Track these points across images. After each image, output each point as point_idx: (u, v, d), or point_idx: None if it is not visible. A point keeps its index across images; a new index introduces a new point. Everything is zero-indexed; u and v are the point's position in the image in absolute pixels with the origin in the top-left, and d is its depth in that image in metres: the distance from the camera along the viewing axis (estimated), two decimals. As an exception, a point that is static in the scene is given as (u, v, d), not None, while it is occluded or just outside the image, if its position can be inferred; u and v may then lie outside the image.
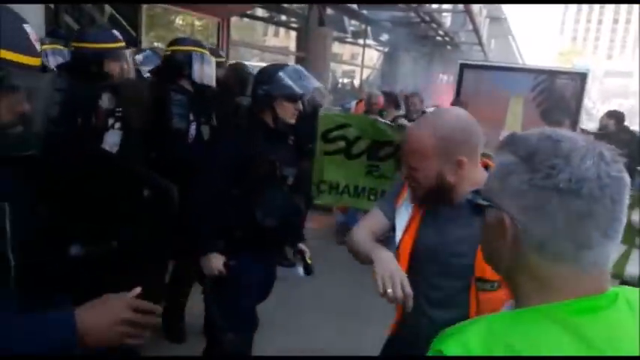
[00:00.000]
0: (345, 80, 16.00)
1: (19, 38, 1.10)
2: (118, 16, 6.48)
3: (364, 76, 15.18)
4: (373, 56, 16.60)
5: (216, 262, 2.33)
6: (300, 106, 2.43)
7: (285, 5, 10.03)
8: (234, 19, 8.50)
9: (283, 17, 10.81)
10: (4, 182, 1.17)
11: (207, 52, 3.24)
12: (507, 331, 0.74)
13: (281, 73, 2.40)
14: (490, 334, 0.74)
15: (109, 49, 2.61)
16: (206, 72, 3.13)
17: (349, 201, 4.84)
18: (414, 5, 11.31)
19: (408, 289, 1.37)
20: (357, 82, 15.18)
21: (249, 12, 8.89)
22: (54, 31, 4.33)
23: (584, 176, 0.72)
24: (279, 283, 2.62)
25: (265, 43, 11.62)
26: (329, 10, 10.44)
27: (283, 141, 2.47)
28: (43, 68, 1.28)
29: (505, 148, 0.81)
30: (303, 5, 10.14)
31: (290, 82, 2.38)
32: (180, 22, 8.21)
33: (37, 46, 1.14)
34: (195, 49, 3.15)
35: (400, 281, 1.38)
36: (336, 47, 13.11)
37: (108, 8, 6.46)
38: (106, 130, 2.46)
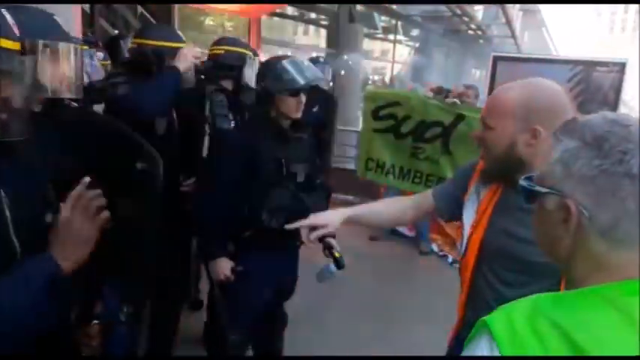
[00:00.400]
0: (376, 77, 15.93)
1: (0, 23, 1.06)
2: (150, 17, 6.59)
3: (395, 72, 15.07)
4: (404, 52, 16.46)
5: (224, 267, 2.29)
6: (303, 99, 2.31)
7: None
8: (264, 18, 8.54)
9: (313, 15, 10.81)
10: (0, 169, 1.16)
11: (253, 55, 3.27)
12: (554, 308, 0.74)
13: (279, 67, 2.30)
14: (535, 309, 0.74)
15: (171, 47, 2.64)
16: (251, 74, 3.16)
17: (394, 182, 4.78)
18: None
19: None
20: (387, 79, 15.10)
21: (279, 11, 8.91)
22: (85, 35, 4.44)
23: None
24: (312, 280, 2.59)
25: (295, 42, 11.64)
26: (359, 7, 10.38)
27: (291, 137, 2.36)
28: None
29: (567, 133, 0.80)
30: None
31: (289, 76, 2.28)
32: (212, 22, 8.30)
33: (16, 30, 1.10)
34: (248, 52, 3.17)
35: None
36: (367, 44, 13.05)
37: (140, 10, 6.59)
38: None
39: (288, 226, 1.80)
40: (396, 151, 4.62)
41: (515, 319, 0.73)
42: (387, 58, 15.38)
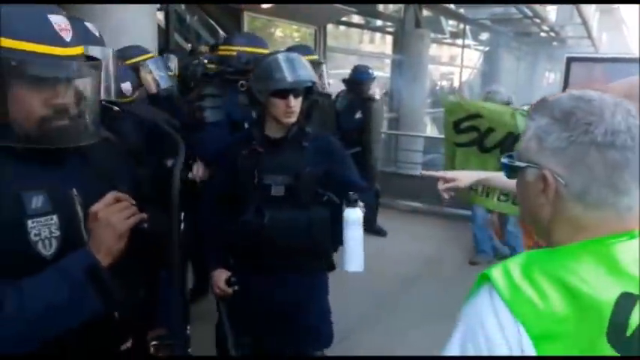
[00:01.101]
0: (444, 82, 15.67)
1: (40, 28, 1.06)
2: (220, 30, 6.82)
3: (464, 77, 14.76)
4: (473, 56, 16.10)
5: (218, 278, 2.15)
6: (294, 103, 2.00)
7: (381, 9, 10.02)
8: (330, 27, 8.63)
9: (379, 22, 10.80)
10: (73, 171, 1.21)
11: None
12: (545, 259, 0.84)
13: (265, 63, 2.03)
14: (528, 261, 0.84)
15: (259, 54, 2.69)
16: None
17: (477, 200, 4.61)
18: None
19: None
20: (456, 84, 14.82)
21: (344, 19, 8.97)
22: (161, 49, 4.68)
23: (617, 129, 0.81)
24: (378, 281, 2.54)
25: (361, 50, 11.66)
26: (425, 12, 10.27)
27: (281, 145, 2.09)
28: None
29: (538, 111, 0.89)
30: (398, 8, 10.07)
31: (277, 75, 1.98)
32: (280, 33, 8.47)
33: (66, 36, 1.09)
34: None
35: None
36: (434, 49, 12.87)
37: (212, 24, 6.83)
38: None
39: (424, 173, 1.81)
40: (480, 166, 4.37)
41: (511, 269, 0.83)
42: (455, 63, 15.09)
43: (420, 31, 9.77)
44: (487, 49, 16.16)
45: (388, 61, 10.70)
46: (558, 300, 0.77)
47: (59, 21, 1.09)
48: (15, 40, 1.03)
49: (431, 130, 11.38)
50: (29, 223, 1.08)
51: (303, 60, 2.11)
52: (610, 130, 0.81)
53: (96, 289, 1.10)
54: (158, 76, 3.26)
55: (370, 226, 3.63)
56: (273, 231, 2.03)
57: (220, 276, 2.15)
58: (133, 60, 3.18)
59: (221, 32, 6.90)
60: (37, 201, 1.10)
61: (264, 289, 2.14)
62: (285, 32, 8.37)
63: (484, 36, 15.62)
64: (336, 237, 2.05)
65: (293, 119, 2.05)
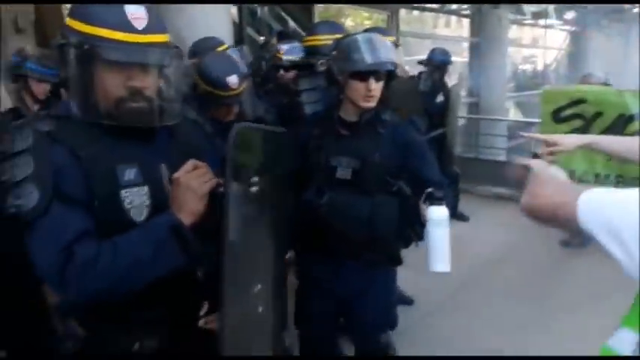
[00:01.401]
0: (526, 66, 14.92)
1: (115, 17, 1.18)
2: (290, 20, 6.86)
3: (547, 60, 13.99)
4: (558, 37, 15.22)
5: None
6: (373, 86, 1.87)
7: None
8: (402, 13, 8.45)
9: (454, 6, 10.46)
10: (162, 147, 1.34)
11: None
12: None
13: (345, 45, 1.91)
14: None
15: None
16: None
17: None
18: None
19: None
20: (540, 67, 14.08)
21: (416, 4, 8.76)
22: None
23: None
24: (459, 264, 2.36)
25: (436, 34, 11.34)
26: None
27: (355, 129, 1.98)
28: None
29: None
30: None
31: (356, 55, 1.85)
32: (351, 22, 8.43)
33: (139, 24, 1.20)
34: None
35: None
36: (514, 31, 12.29)
37: (282, 15, 6.89)
38: None
39: (525, 135, 1.73)
40: (588, 155, 3.92)
41: None
42: (539, 45, 14.33)
43: (497, 12, 9.35)
44: (573, 29, 15.21)
45: (466, 45, 10.34)
46: None
47: (134, 10, 1.20)
48: (93, 27, 1.17)
49: (514, 115, 10.87)
50: (123, 192, 1.23)
51: (385, 40, 1.97)
52: None
53: (179, 244, 1.22)
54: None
55: (452, 212, 3.50)
56: (330, 212, 1.94)
57: None
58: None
59: (291, 23, 6.93)
60: (129, 173, 1.25)
61: (323, 275, 2.08)
62: (355, 20, 8.32)
63: (569, 15, 14.70)
64: (404, 231, 1.96)
65: (372, 104, 1.92)
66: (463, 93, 8.66)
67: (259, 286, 1.41)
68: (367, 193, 1.95)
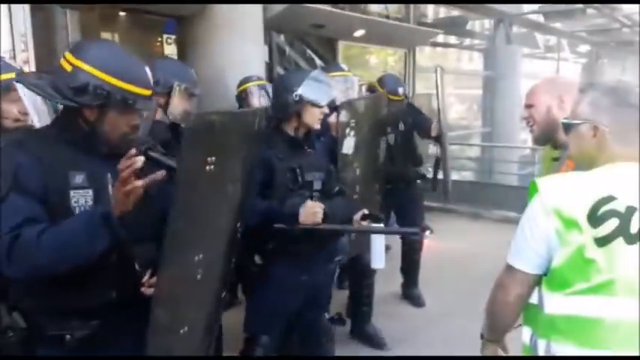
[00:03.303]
0: (541, 97, 15.21)
1: (139, 76, 1.55)
2: (317, 58, 7.44)
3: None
4: (571, 70, 15.63)
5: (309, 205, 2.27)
6: (327, 110, 2.45)
7: (469, 27, 10.22)
8: (427, 49, 8.98)
9: (467, 41, 10.98)
10: (110, 160, 1.50)
11: None
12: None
13: (312, 76, 2.39)
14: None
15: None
16: None
17: None
18: (606, 12, 10.52)
19: None
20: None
21: (432, 40, 9.30)
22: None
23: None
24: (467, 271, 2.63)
25: (451, 68, 11.82)
26: (515, 29, 10.33)
27: (305, 147, 2.44)
28: None
29: (589, 91, 1.45)
30: (489, 25, 10.21)
31: (322, 87, 2.39)
32: (375, 59, 8.93)
33: (150, 82, 1.59)
34: None
35: None
36: (529, 64, 12.74)
37: (309, 54, 7.48)
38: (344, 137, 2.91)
39: None
40: None
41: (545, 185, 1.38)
42: (552, 77, 14.61)
43: (510, 48, 9.84)
44: (586, 61, 15.62)
45: (480, 78, 10.82)
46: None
47: (148, 71, 1.61)
48: (123, 82, 1.50)
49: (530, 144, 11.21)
50: (71, 192, 1.49)
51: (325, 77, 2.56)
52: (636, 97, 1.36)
53: (108, 228, 1.39)
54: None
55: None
56: (329, 220, 2.29)
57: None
58: (250, 84, 3.86)
59: (318, 61, 7.52)
60: (79, 178, 1.51)
61: (296, 275, 2.38)
62: (379, 57, 8.86)
63: (583, 48, 15.13)
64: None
65: (319, 126, 2.45)
66: (478, 123, 9.08)
67: (201, 255, 1.53)
68: (330, 197, 2.44)
